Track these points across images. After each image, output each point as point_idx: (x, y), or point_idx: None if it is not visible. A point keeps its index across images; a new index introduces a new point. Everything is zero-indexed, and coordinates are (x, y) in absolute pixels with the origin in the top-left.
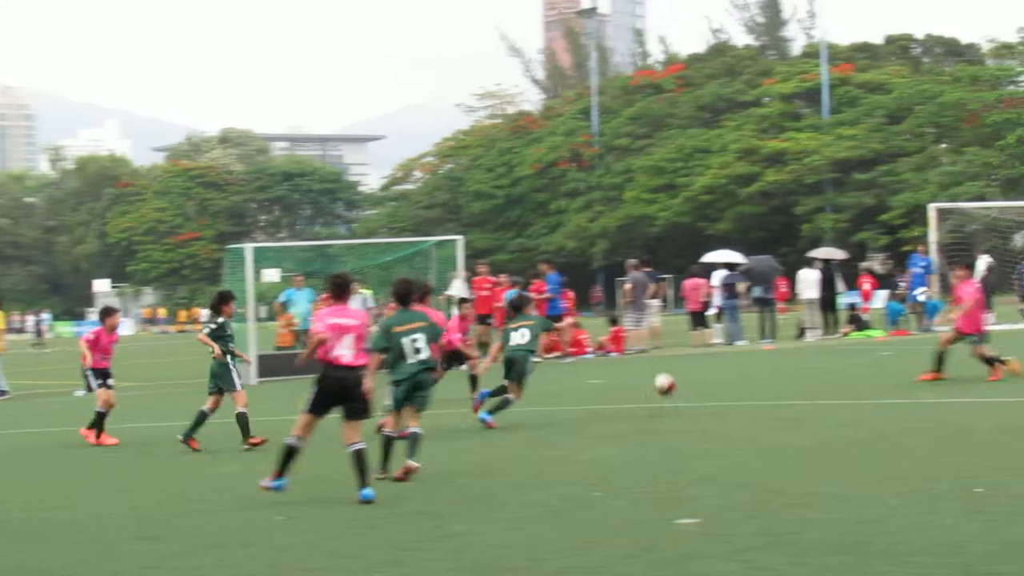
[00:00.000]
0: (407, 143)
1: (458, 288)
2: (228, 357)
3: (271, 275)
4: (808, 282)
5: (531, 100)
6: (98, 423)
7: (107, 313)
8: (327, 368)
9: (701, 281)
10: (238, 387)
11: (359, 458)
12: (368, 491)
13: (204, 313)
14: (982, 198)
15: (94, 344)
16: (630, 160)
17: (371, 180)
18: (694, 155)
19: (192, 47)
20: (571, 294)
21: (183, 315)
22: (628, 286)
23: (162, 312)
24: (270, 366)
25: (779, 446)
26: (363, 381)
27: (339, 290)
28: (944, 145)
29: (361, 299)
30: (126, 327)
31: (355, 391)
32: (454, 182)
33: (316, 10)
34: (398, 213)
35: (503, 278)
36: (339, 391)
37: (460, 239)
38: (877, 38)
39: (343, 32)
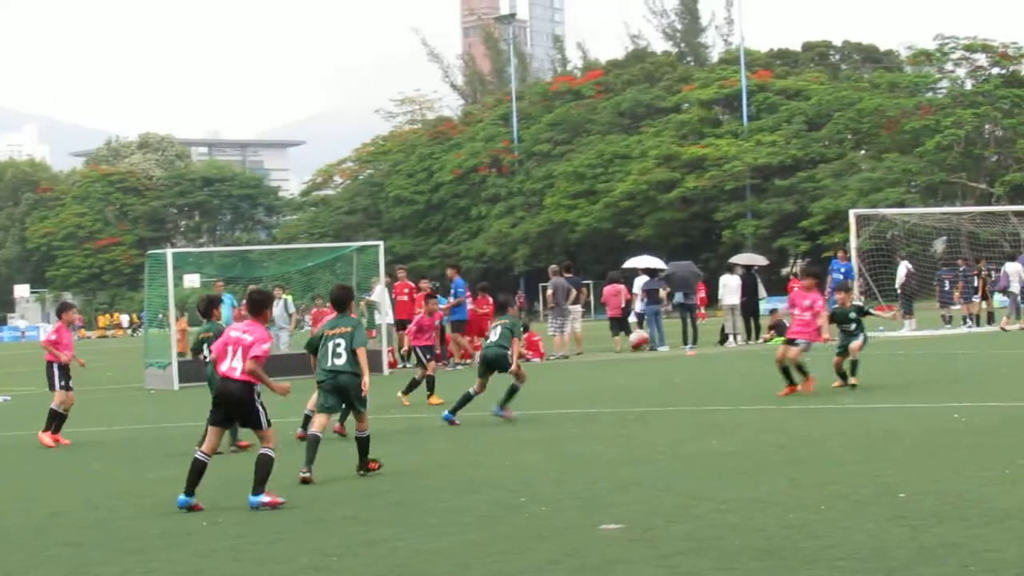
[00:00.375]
0: (327, 148)
1: (379, 294)
2: None
3: (192, 280)
4: (730, 288)
5: (450, 106)
6: (50, 423)
7: (64, 309)
8: (219, 380)
9: (620, 287)
10: None
11: (257, 463)
12: (252, 498)
13: (124, 319)
14: (902, 204)
15: (58, 343)
16: (550, 166)
17: (291, 185)
18: (614, 161)
19: (111, 51)
20: (491, 300)
21: (103, 320)
22: (550, 292)
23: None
24: (190, 372)
25: (703, 452)
26: (247, 393)
27: (253, 305)
28: (863, 151)
29: (283, 304)
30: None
31: (240, 402)
32: (374, 188)
33: (233, 14)
34: (319, 218)
35: (424, 284)
36: (225, 402)
37: (381, 245)
38: (795, 45)
39: (261, 36)
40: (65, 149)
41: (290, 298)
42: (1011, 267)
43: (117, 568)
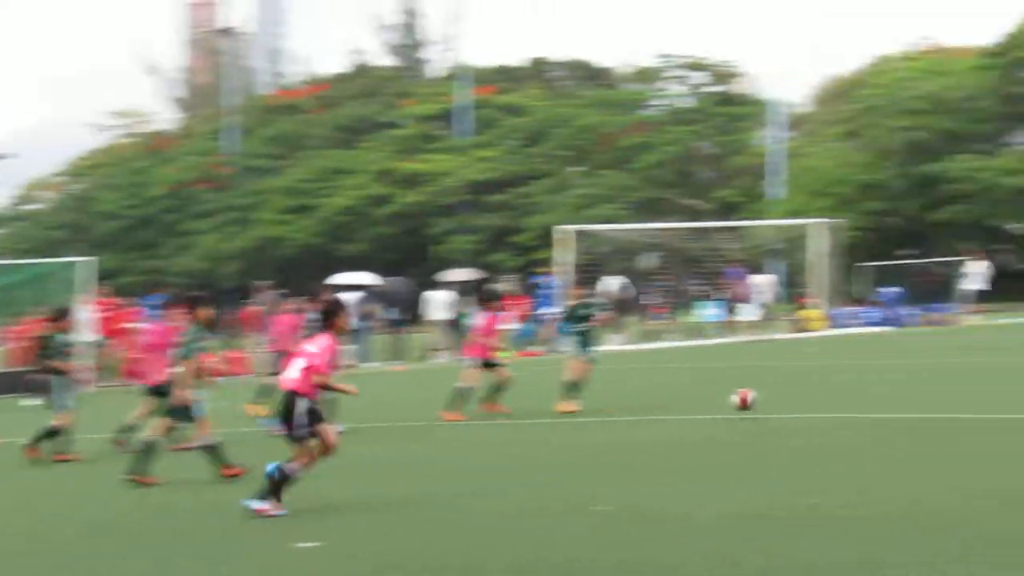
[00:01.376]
0: (43, 162)
1: (83, 311)
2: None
3: None
4: (438, 303)
5: (170, 119)
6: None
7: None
8: None
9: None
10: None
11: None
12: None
13: None
14: (615, 220)
15: None
16: (269, 181)
17: (2, 200)
18: (331, 176)
19: None
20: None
21: None
22: (260, 309)
23: None
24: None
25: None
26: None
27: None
28: (582, 168)
29: None
30: None
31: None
32: (83, 202)
33: None
34: (24, 234)
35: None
36: None
37: (94, 260)
38: (518, 61)
39: None
40: None
41: None
42: (761, 279)
43: None
